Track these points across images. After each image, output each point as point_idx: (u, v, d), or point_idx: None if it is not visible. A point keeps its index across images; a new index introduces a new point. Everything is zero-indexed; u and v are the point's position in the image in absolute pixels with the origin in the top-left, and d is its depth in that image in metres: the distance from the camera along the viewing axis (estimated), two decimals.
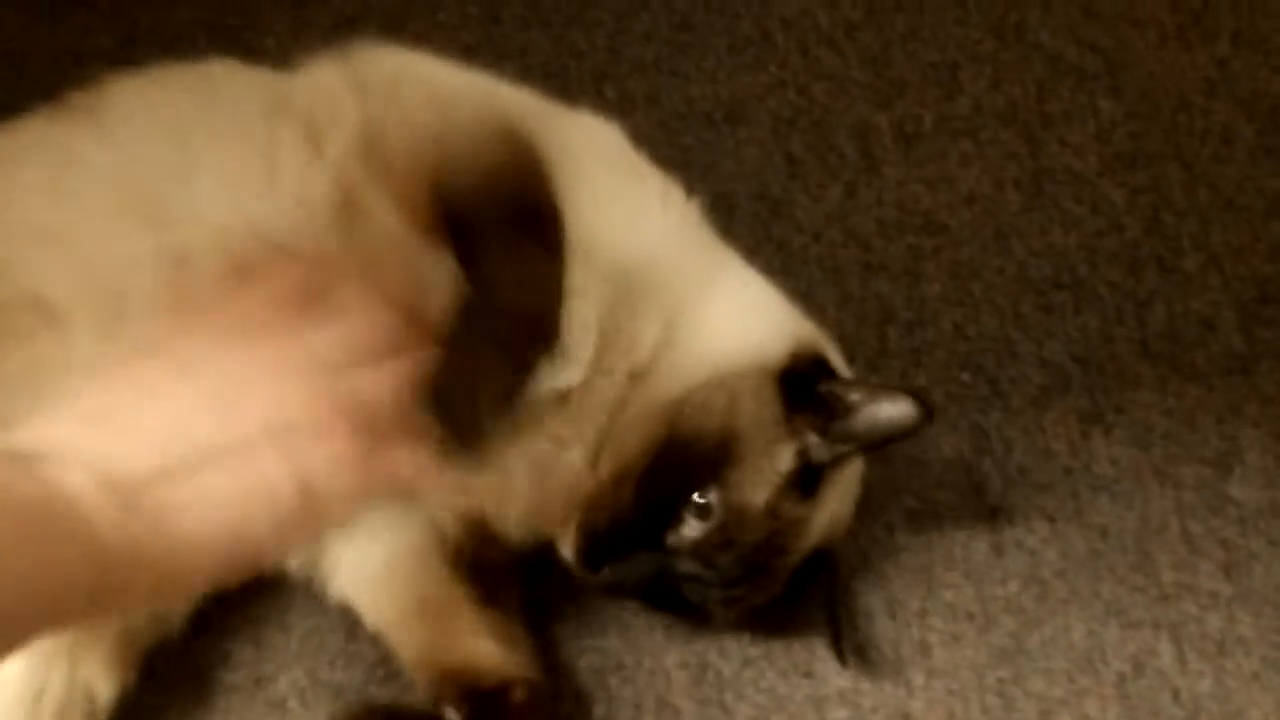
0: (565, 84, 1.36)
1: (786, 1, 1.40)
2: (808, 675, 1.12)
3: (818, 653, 1.12)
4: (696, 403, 1.01)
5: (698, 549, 1.00)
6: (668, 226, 1.04)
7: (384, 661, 1.10)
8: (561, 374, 0.99)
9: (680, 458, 1.00)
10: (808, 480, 1.01)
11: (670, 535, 1.01)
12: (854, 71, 1.38)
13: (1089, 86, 1.36)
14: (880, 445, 1.02)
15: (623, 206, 1.02)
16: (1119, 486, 1.18)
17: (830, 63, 1.38)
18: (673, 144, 1.33)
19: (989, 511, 1.17)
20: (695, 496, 1.00)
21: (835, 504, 1.05)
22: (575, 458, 1.03)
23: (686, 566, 1.01)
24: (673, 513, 1.00)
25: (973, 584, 1.15)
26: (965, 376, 1.23)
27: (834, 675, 1.11)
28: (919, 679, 1.11)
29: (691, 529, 1.00)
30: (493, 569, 1.08)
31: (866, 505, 1.17)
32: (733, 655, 1.12)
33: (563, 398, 1.01)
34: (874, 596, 1.15)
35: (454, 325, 0.89)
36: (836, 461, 1.02)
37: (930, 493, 1.18)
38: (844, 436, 1.00)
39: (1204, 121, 1.34)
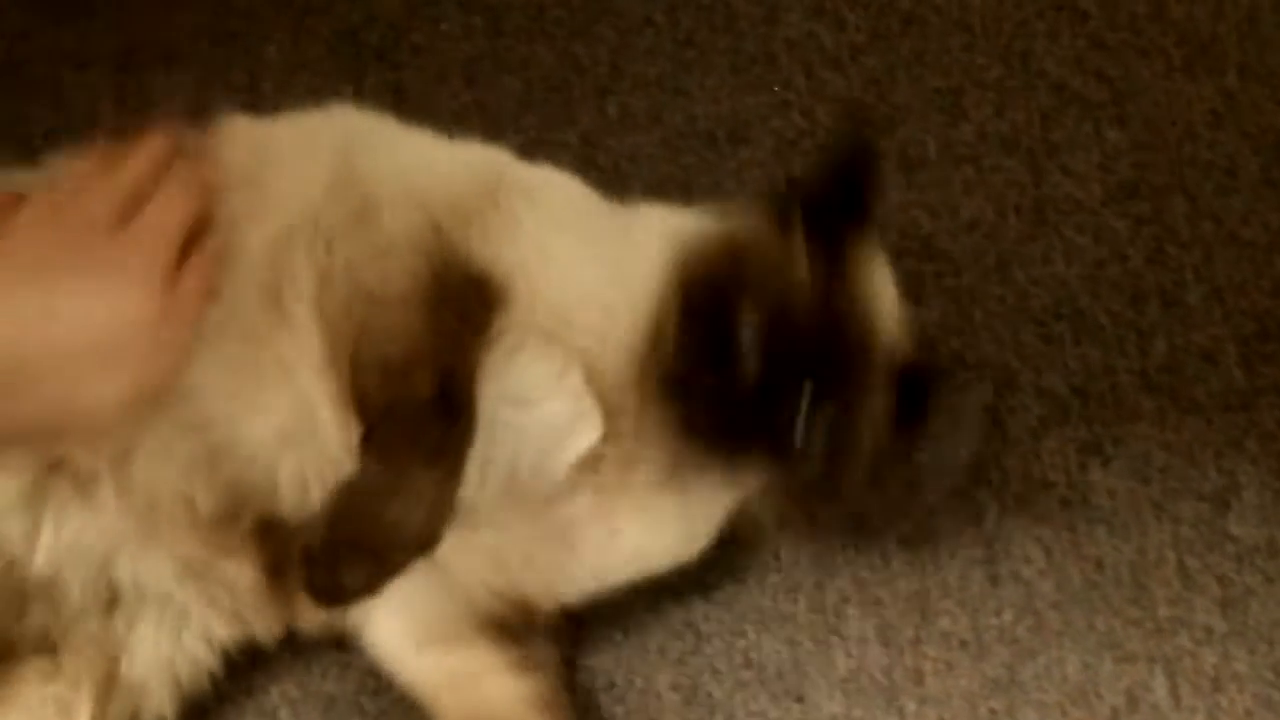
0: (567, 98, 1.36)
1: (791, 22, 1.40)
2: (799, 700, 1.11)
3: (810, 677, 1.11)
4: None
5: (763, 348, 0.96)
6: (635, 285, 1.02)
7: (375, 673, 1.09)
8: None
9: (702, 302, 0.98)
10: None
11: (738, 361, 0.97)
12: (858, 94, 1.37)
13: (1094, 115, 1.36)
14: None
15: (590, 277, 1.00)
16: (1116, 519, 1.17)
17: (834, 85, 1.38)
18: (675, 162, 1.32)
19: (985, 541, 1.17)
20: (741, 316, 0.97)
21: (878, 286, 1.05)
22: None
23: (764, 377, 0.96)
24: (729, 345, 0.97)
25: (968, 613, 1.14)
26: None
27: (825, 700, 1.10)
28: (911, 706, 1.10)
29: (748, 334, 0.97)
30: (529, 634, 1.06)
31: (861, 530, 1.16)
32: (725, 678, 1.12)
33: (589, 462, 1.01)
34: (867, 623, 1.14)
35: (328, 510, 0.90)
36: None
37: (926, 520, 1.17)
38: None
39: (1209, 153, 1.34)
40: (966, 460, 1.09)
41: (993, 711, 1.10)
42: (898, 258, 1.28)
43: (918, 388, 1.03)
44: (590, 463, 1.00)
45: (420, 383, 0.91)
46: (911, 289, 1.26)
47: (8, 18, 1.38)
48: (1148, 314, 1.27)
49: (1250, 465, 1.20)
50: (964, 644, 1.13)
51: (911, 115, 1.36)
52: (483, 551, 1.03)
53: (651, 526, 1.04)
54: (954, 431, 1.06)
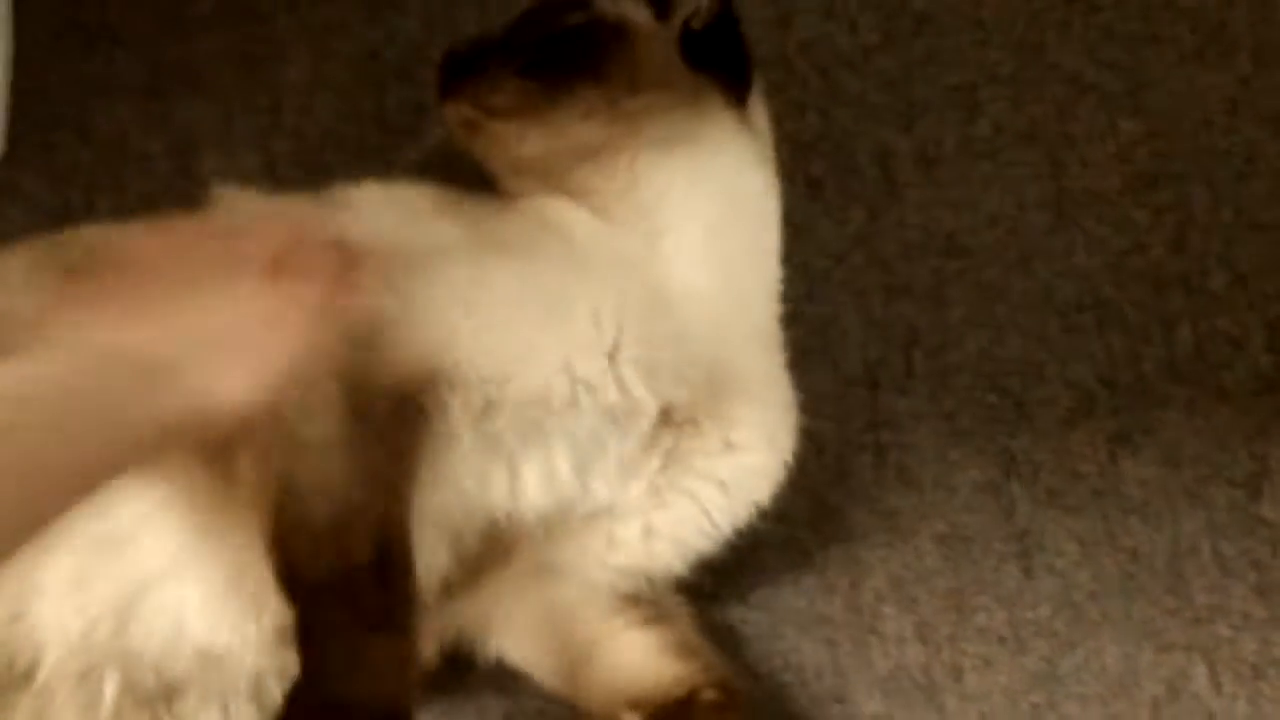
0: None
1: (806, 25, 1.41)
2: (840, 700, 1.11)
3: (849, 677, 1.12)
4: None
5: None
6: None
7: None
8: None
9: None
10: None
11: None
12: (874, 94, 1.38)
13: (1109, 106, 1.36)
14: None
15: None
16: (1149, 508, 1.18)
17: (850, 86, 1.38)
18: None
19: (1019, 535, 1.17)
20: None
21: None
22: None
23: None
24: None
25: (1004, 608, 1.14)
26: (992, 399, 1.23)
27: (865, 700, 1.11)
28: (952, 703, 1.11)
29: None
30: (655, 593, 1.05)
31: (895, 530, 1.17)
32: (765, 681, 1.12)
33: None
34: (905, 621, 1.14)
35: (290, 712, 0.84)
36: None
37: (959, 517, 1.18)
38: None
39: (1226, 140, 1.34)
40: None
41: (1034, 706, 1.10)
42: (921, 255, 1.29)
43: None
44: (640, 444, 0.99)
45: (356, 549, 0.85)
46: (936, 285, 1.28)
47: (33, 48, 1.40)
48: (1172, 302, 1.27)
49: None
50: (1002, 639, 1.13)
51: (928, 113, 1.36)
52: (599, 537, 1.01)
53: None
54: None
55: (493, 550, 0.96)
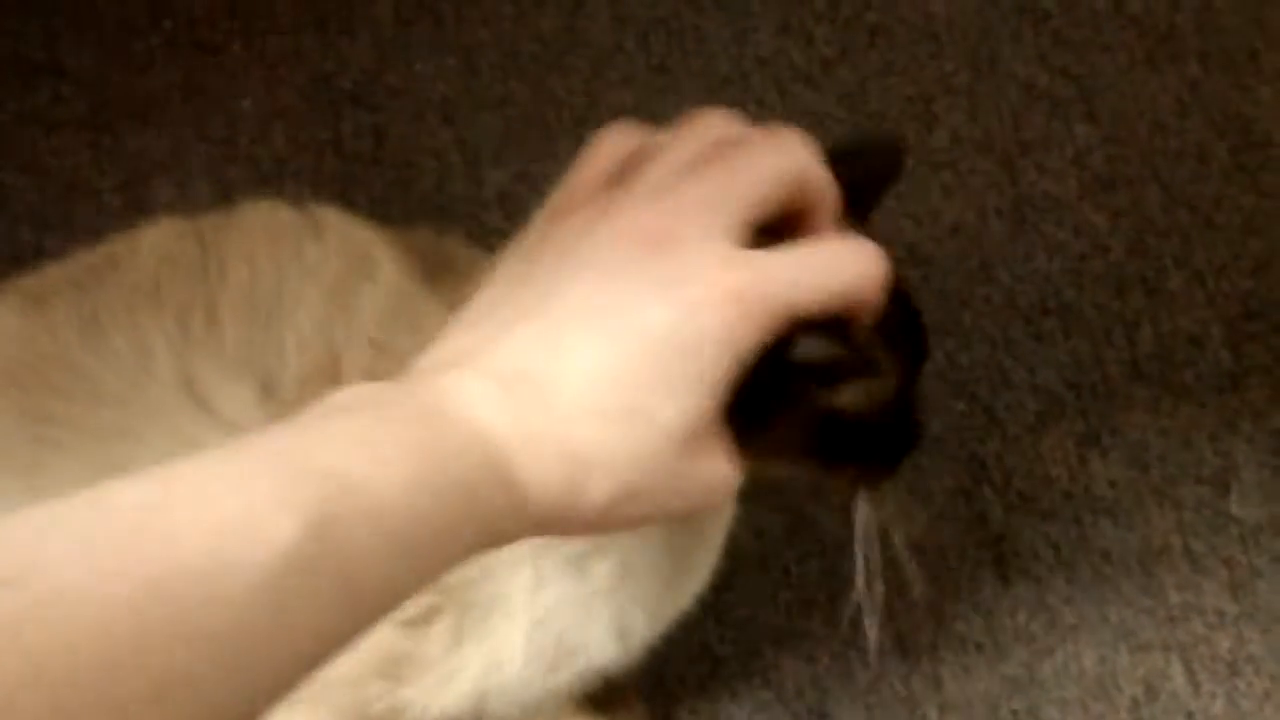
0: (546, 132, 1.36)
1: (762, 41, 1.41)
2: (822, 716, 1.11)
3: (830, 692, 1.11)
4: None
5: None
6: None
7: None
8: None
9: None
10: None
11: None
12: (831, 108, 1.38)
13: (1063, 112, 1.37)
14: None
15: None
16: (1119, 509, 1.19)
17: (808, 100, 1.39)
18: None
19: (993, 541, 1.17)
20: None
21: None
22: None
23: None
24: None
25: (981, 615, 1.14)
26: (960, 406, 1.23)
27: (847, 714, 1.10)
28: (933, 714, 1.11)
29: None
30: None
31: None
32: (744, 699, 1.12)
33: None
34: (882, 633, 1.13)
35: None
36: None
37: (932, 525, 1.18)
38: None
39: (1178, 142, 1.36)
40: None
41: (1014, 712, 1.10)
42: None
43: None
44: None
45: None
46: None
47: None
48: (1132, 303, 1.28)
49: (1246, 445, 1.21)
50: (980, 646, 1.13)
51: (885, 125, 1.37)
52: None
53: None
54: None
55: None
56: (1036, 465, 1.21)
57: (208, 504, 0.47)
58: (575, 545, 0.76)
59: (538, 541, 0.74)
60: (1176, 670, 1.12)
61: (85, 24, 1.40)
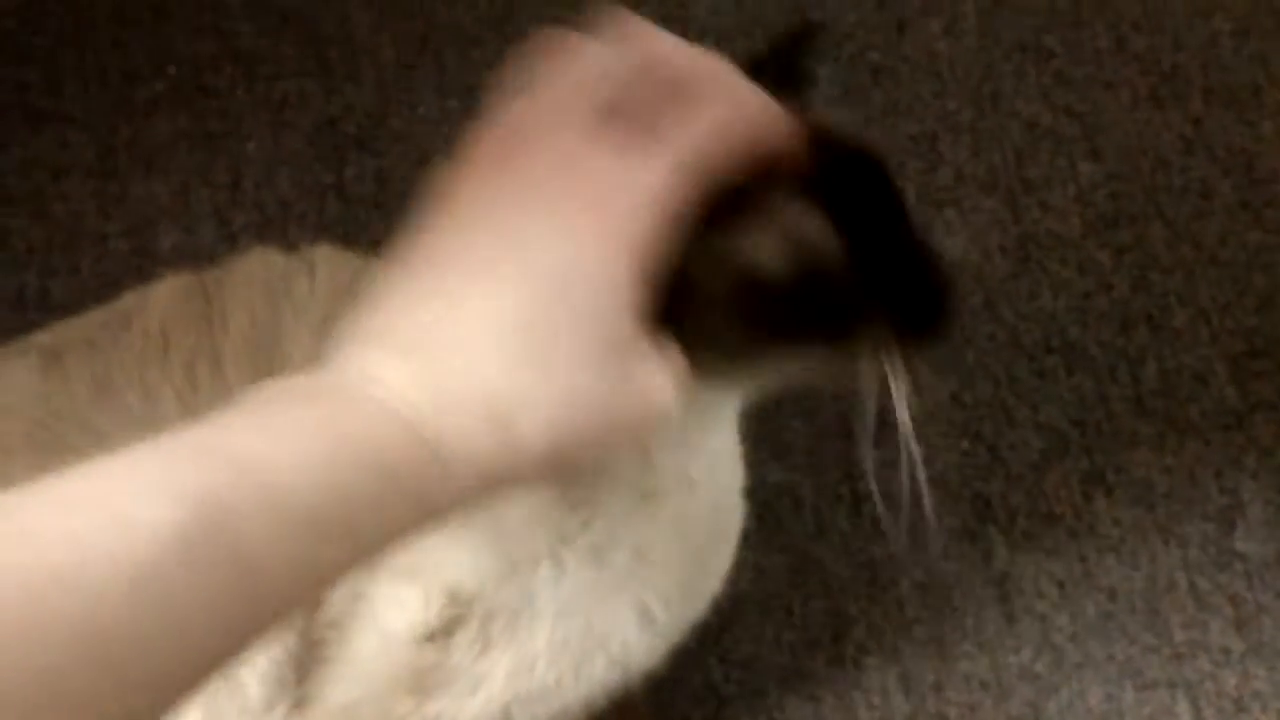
0: None
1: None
2: None
3: None
4: None
5: None
6: None
7: None
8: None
9: None
10: None
11: None
12: None
13: (1067, 150, 1.38)
14: None
15: None
16: (1124, 546, 1.18)
17: None
18: None
19: (997, 579, 1.17)
20: None
21: None
22: None
23: None
24: None
25: (986, 653, 1.14)
26: (965, 445, 1.23)
27: None
28: None
29: None
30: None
31: (874, 580, 1.16)
32: None
33: None
34: (888, 672, 1.14)
35: None
36: None
37: (937, 564, 1.17)
38: None
39: (1182, 179, 1.36)
40: None
41: None
42: None
43: None
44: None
45: None
46: None
47: None
48: (1136, 340, 1.28)
49: (1251, 481, 1.20)
50: (985, 685, 1.13)
51: (889, 163, 1.37)
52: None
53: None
54: None
55: None
56: (1041, 503, 1.20)
57: (81, 498, 0.45)
58: (591, 537, 0.76)
59: (554, 535, 0.75)
60: (1183, 708, 1.11)
61: (90, 71, 1.42)
